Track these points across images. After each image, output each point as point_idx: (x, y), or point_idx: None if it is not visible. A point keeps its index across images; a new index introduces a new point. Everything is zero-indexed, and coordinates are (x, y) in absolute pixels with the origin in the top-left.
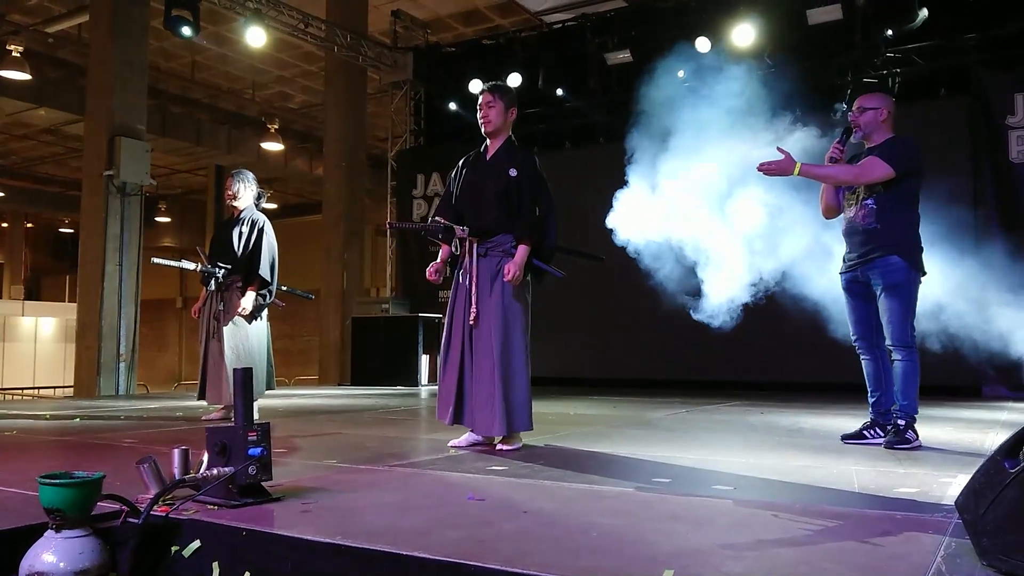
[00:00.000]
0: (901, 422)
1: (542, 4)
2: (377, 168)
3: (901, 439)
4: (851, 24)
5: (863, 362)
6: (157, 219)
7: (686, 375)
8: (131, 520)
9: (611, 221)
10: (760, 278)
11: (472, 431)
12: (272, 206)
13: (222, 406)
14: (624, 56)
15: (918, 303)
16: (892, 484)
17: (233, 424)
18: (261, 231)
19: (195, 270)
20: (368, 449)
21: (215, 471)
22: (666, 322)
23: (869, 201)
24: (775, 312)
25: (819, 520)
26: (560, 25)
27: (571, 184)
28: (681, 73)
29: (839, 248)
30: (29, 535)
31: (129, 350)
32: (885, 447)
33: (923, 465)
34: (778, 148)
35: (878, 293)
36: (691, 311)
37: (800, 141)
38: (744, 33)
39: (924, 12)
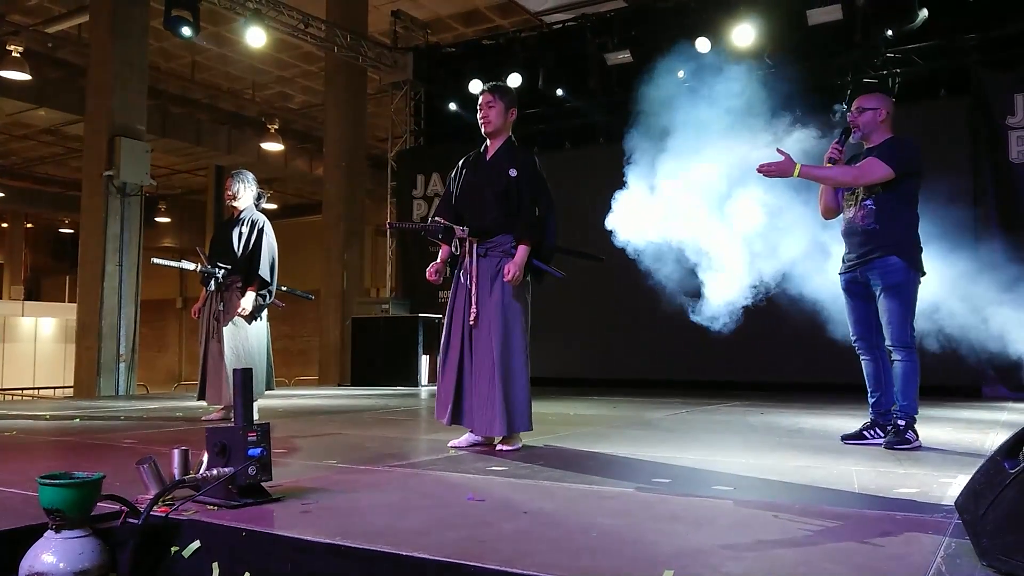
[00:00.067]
0: (901, 422)
1: (542, 4)
2: (377, 168)
3: (901, 439)
4: (851, 24)
5: (863, 362)
6: (157, 219)
7: (686, 375)
8: (131, 520)
9: (611, 222)
10: (760, 280)
11: (472, 431)
12: (272, 206)
13: (222, 406)
14: (624, 56)
15: (918, 303)
16: (892, 484)
17: (233, 424)
18: (261, 231)
19: (195, 270)
20: (368, 449)
21: (215, 471)
22: (666, 322)
23: (868, 202)
24: (775, 312)
25: (819, 520)
26: (560, 25)
27: (571, 184)
28: (681, 73)
29: (838, 248)
30: (29, 535)
31: (129, 350)
32: (885, 447)
33: (923, 465)
34: (778, 150)
35: (877, 294)
36: (691, 314)
37: (800, 142)
38: (744, 33)
39: (924, 12)
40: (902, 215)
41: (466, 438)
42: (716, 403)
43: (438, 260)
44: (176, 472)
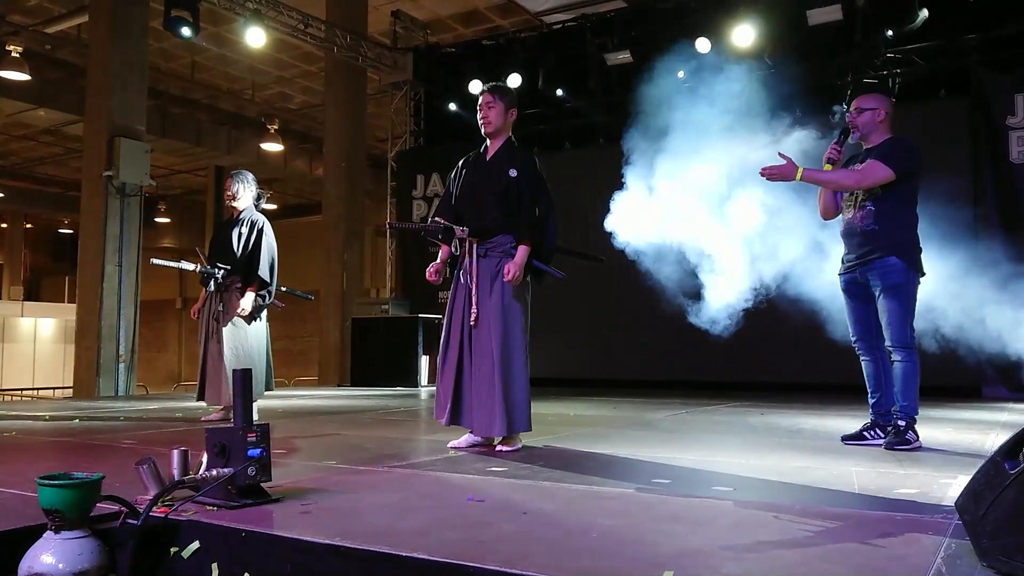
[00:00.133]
0: (901, 423)
1: (542, 5)
2: (377, 169)
3: (901, 440)
4: (851, 25)
5: (863, 363)
6: (157, 220)
7: (686, 376)
8: (130, 521)
9: (610, 223)
10: (760, 282)
11: (471, 432)
12: (272, 207)
13: (221, 407)
14: (624, 57)
15: (918, 303)
16: (892, 485)
17: (232, 425)
18: (260, 232)
19: (194, 271)
20: (368, 450)
21: (214, 472)
22: (666, 323)
23: (867, 202)
24: (775, 313)
25: (819, 521)
26: (560, 26)
27: (571, 185)
28: (681, 74)
29: (837, 249)
30: (28, 536)
31: (128, 351)
32: (885, 448)
33: (923, 466)
34: (780, 154)
35: (877, 294)
36: (691, 316)
37: (799, 142)
38: (744, 34)
39: (924, 13)
40: (901, 215)
41: (466, 439)
42: (716, 404)
43: (438, 260)
44: (175, 473)
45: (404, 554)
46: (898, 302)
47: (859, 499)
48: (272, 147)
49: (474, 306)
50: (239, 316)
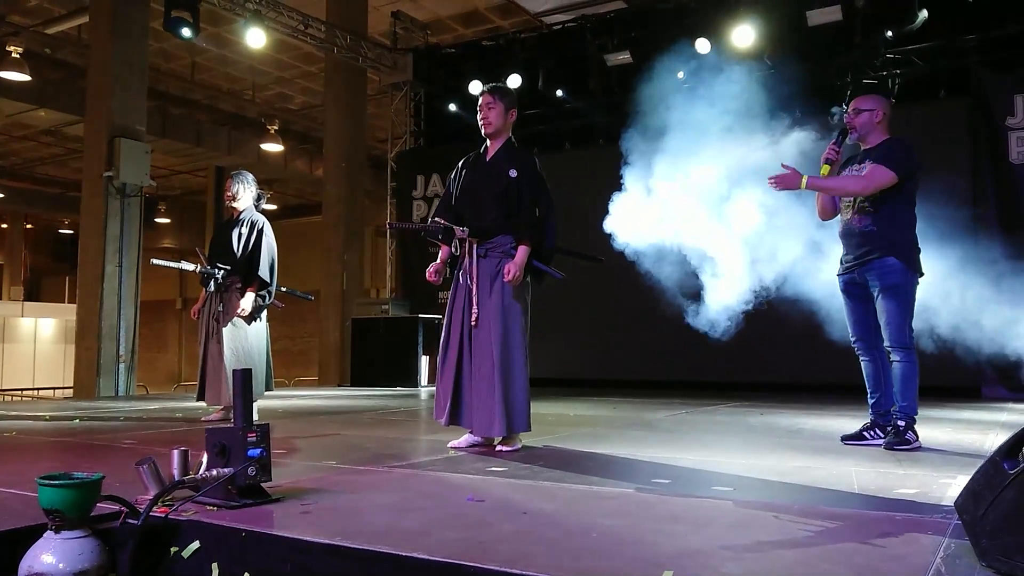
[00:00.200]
0: (901, 423)
1: (542, 5)
2: (377, 169)
3: (901, 440)
4: (851, 25)
5: (862, 363)
6: (157, 220)
7: (686, 376)
8: (130, 521)
9: (610, 223)
10: (760, 284)
11: (471, 432)
12: (272, 207)
13: (221, 407)
14: (624, 57)
15: (917, 304)
16: (892, 485)
17: (232, 425)
18: (260, 232)
19: (194, 271)
20: (368, 450)
21: (214, 472)
22: (666, 323)
23: (865, 203)
24: (775, 314)
25: (819, 521)
26: (560, 26)
27: (571, 185)
28: (681, 74)
29: (836, 248)
30: (28, 536)
31: (129, 351)
32: (885, 448)
33: (923, 466)
34: (783, 165)
35: (875, 295)
36: (691, 319)
37: (799, 143)
38: (744, 34)
39: (924, 13)
40: (900, 216)
41: (465, 439)
42: (716, 404)
43: (438, 261)
44: (176, 473)
45: (404, 554)
46: (896, 302)
47: (859, 499)
48: (272, 147)
49: (474, 306)
50: (239, 316)
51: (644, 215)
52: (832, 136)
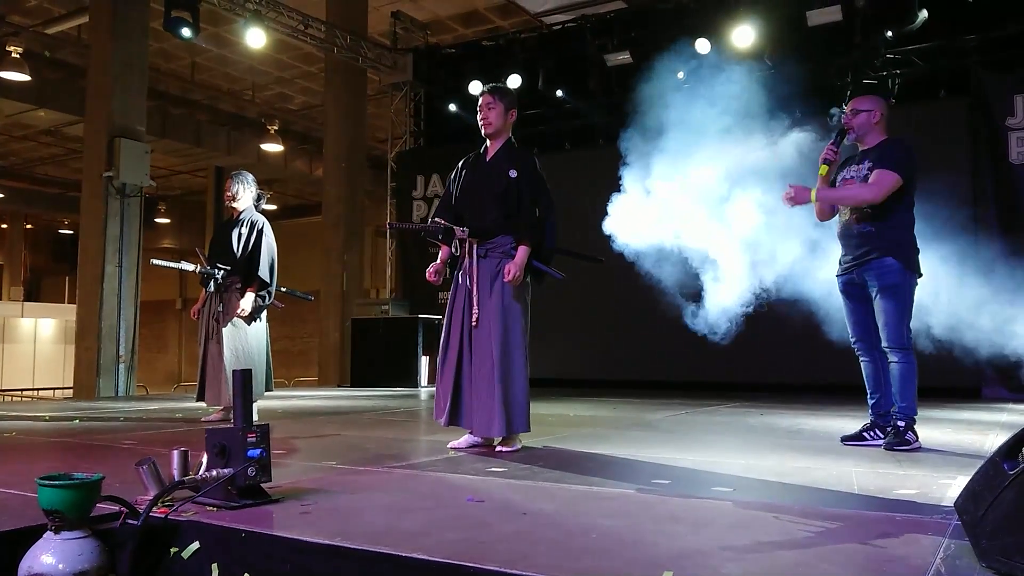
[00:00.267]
0: (901, 424)
1: (542, 5)
2: (377, 169)
3: (901, 441)
4: (851, 25)
5: (862, 364)
6: (157, 220)
7: (686, 376)
8: (130, 521)
9: (610, 224)
10: (760, 286)
11: (471, 432)
12: (272, 207)
13: (221, 407)
14: (624, 57)
15: (918, 304)
16: (892, 486)
17: (232, 425)
18: (260, 232)
19: (194, 271)
20: (367, 450)
21: (214, 472)
22: (666, 323)
23: (864, 204)
24: (774, 315)
25: (819, 521)
26: (560, 26)
27: (571, 185)
28: (681, 74)
29: (835, 248)
30: (28, 536)
31: (128, 351)
32: (885, 448)
33: (923, 467)
34: (789, 186)
35: (873, 295)
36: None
37: (799, 143)
38: (744, 34)
39: (924, 13)
40: (898, 216)
41: (465, 439)
42: (716, 404)
43: (438, 261)
44: (175, 473)
45: (404, 554)
46: (894, 302)
47: (859, 500)
48: (272, 148)
49: (475, 307)
50: (239, 317)
51: (644, 216)
52: (830, 136)
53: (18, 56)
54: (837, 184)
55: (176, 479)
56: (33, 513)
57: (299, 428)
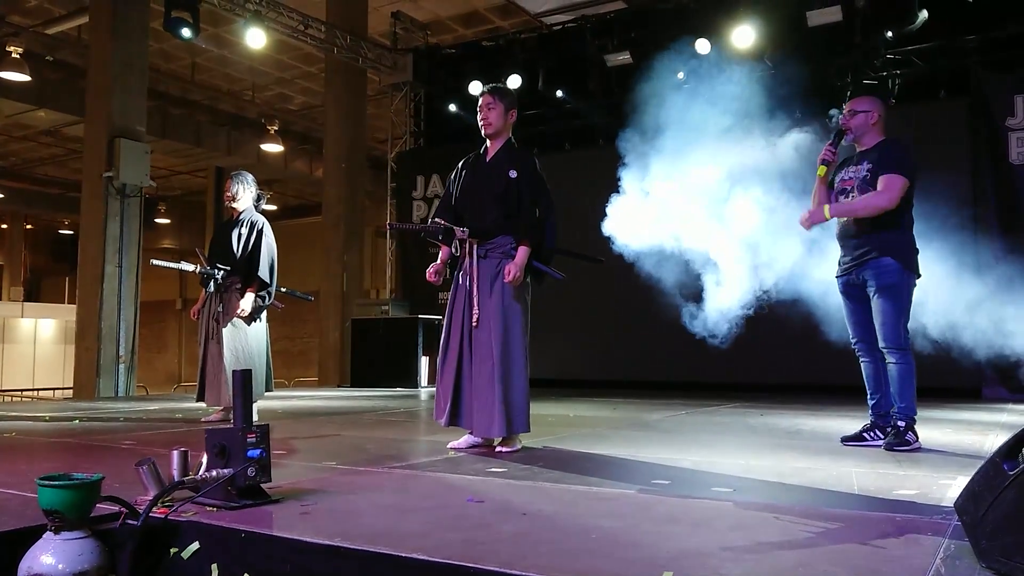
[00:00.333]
0: (901, 424)
1: (542, 6)
2: (377, 169)
3: (901, 441)
4: (851, 26)
5: (862, 364)
6: (157, 220)
7: (686, 377)
8: (130, 522)
9: (609, 225)
10: (760, 287)
11: (471, 433)
12: (272, 208)
13: (221, 408)
14: (624, 58)
15: (917, 304)
16: (891, 486)
17: (232, 426)
18: (260, 233)
19: (194, 272)
20: (367, 451)
21: (214, 473)
22: (666, 324)
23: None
24: (774, 315)
25: (818, 522)
26: (560, 27)
27: (571, 186)
28: (681, 75)
29: (834, 248)
30: (28, 537)
31: (128, 351)
32: (885, 449)
33: (922, 467)
34: (806, 211)
35: (872, 295)
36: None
37: (798, 144)
38: (744, 35)
39: (924, 14)
40: (896, 217)
41: (465, 439)
42: (716, 405)
43: (438, 261)
44: (175, 473)
45: (404, 555)
46: (892, 303)
47: (859, 500)
48: (272, 148)
49: (475, 307)
50: (239, 317)
51: (643, 216)
52: (828, 137)
53: (18, 56)
54: (835, 184)
55: (176, 479)
56: (33, 513)
57: (299, 428)
